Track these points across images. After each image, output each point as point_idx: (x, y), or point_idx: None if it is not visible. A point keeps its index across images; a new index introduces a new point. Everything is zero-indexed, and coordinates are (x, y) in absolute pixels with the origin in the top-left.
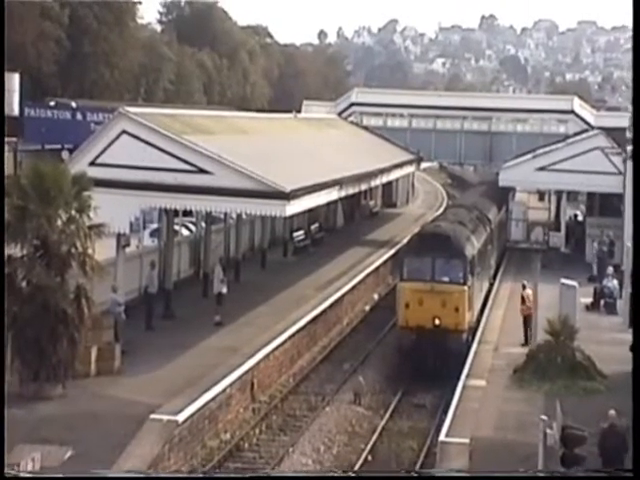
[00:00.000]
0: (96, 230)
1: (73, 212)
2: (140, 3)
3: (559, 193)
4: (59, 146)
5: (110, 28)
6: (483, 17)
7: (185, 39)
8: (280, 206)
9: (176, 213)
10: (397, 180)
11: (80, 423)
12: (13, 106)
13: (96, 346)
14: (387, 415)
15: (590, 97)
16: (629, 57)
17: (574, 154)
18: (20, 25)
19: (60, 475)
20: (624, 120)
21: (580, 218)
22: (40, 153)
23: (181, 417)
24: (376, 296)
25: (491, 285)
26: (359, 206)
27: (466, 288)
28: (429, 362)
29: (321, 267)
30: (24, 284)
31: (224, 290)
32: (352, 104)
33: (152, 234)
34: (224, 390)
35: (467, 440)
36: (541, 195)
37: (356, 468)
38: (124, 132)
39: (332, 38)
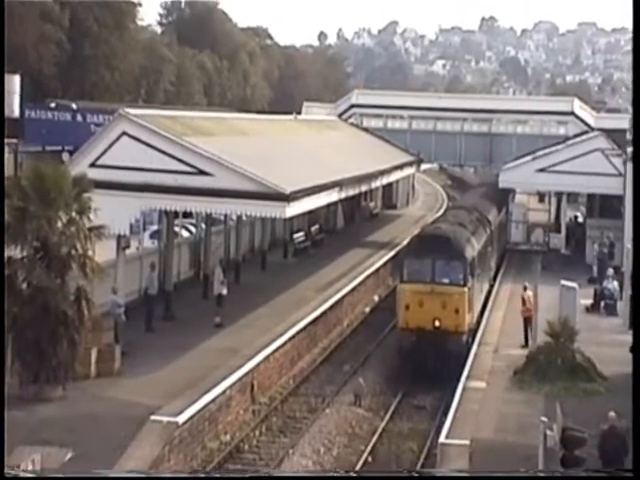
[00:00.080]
0: (96, 232)
1: (73, 214)
2: (140, 5)
3: (559, 195)
4: (59, 148)
5: (110, 30)
6: (483, 19)
7: (185, 41)
8: (280, 208)
9: (176, 215)
10: (397, 182)
11: (80, 425)
12: (14, 108)
13: (96, 348)
14: (387, 417)
15: (590, 99)
16: (629, 59)
17: (574, 156)
18: (20, 27)
19: (60, 475)
20: (624, 122)
21: (580, 220)
22: (40, 155)
23: (181, 419)
24: (376, 298)
25: (491, 287)
26: (359, 208)
27: (466, 290)
28: (429, 364)
29: (321, 269)
30: (24, 286)
31: (224, 291)
32: (352, 106)
33: (152, 236)
34: (224, 392)
35: (467, 442)
36: (541, 197)
37: (356, 469)
38: (124, 134)
39: (332, 39)
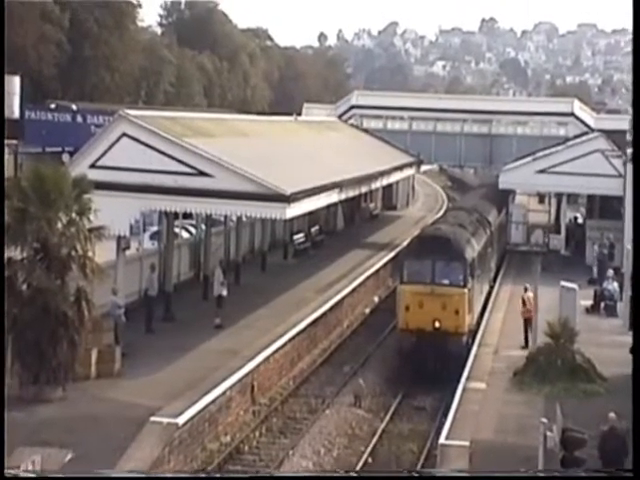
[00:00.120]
0: (96, 233)
1: (73, 215)
2: (140, 6)
3: (559, 196)
4: (60, 149)
5: (110, 31)
6: (483, 20)
7: (185, 42)
8: (280, 209)
9: (176, 216)
10: (397, 183)
11: (80, 426)
12: (14, 109)
13: (96, 349)
14: (387, 418)
15: (590, 100)
16: (629, 60)
17: (574, 157)
18: (21, 28)
19: (60, 475)
20: (624, 123)
21: (580, 221)
22: (41, 156)
23: (181, 420)
24: (376, 299)
25: (491, 288)
26: (359, 209)
27: (466, 291)
28: (429, 365)
29: (321, 270)
30: (24, 287)
31: (224, 293)
32: (352, 107)
33: (152, 237)
34: (224, 393)
35: (467, 443)
36: (541, 198)
37: (356, 470)
38: (124, 135)
39: (332, 41)
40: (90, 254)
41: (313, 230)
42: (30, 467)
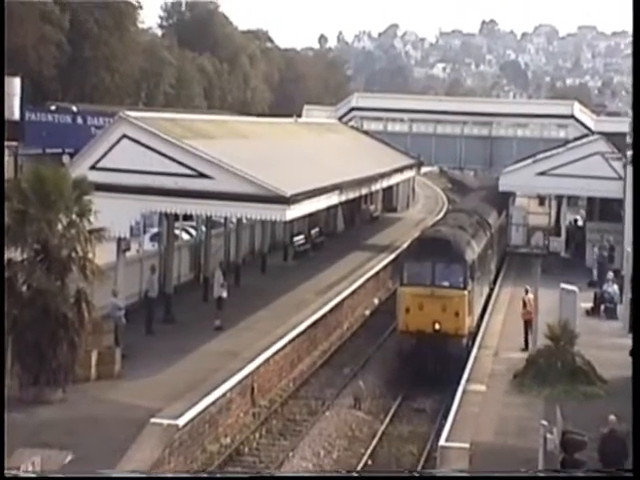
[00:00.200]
0: (96, 234)
1: (74, 216)
2: (141, 7)
3: (559, 198)
4: (60, 150)
5: (111, 32)
6: (483, 22)
7: (186, 43)
8: (280, 210)
9: (176, 217)
10: (397, 185)
11: (80, 427)
12: (14, 110)
13: (96, 350)
14: (387, 420)
15: (590, 102)
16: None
17: (574, 159)
18: (21, 29)
19: (60, 475)
20: (624, 125)
21: (580, 223)
22: (41, 157)
23: (181, 421)
24: (376, 300)
25: (491, 290)
26: (359, 210)
27: (466, 293)
28: (429, 367)
29: (321, 271)
30: (24, 288)
31: (224, 294)
32: (352, 109)
33: (152, 238)
34: (224, 394)
35: (467, 445)
36: (541, 200)
37: (357, 470)
38: (125, 136)
39: (332, 43)
40: (90, 255)
41: (313, 232)
42: (30, 468)
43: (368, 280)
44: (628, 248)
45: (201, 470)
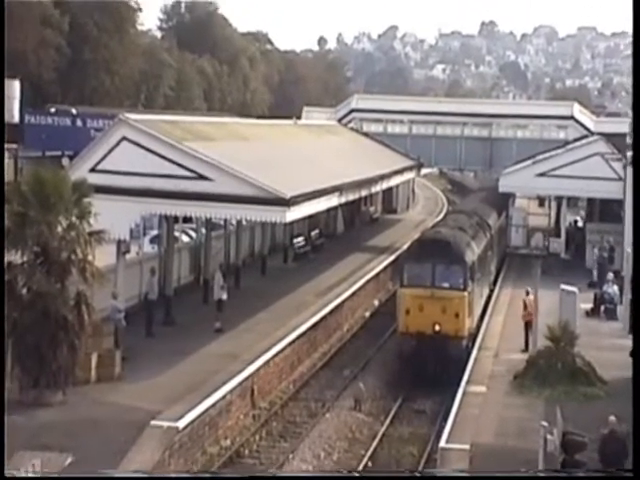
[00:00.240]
0: (96, 237)
1: (73, 219)
2: (140, 10)
3: (559, 199)
4: (59, 153)
5: (110, 35)
6: (483, 23)
7: (185, 45)
8: (280, 212)
9: (176, 219)
10: (397, 186)
11: (80, 430)
12: (14, 113)
13: (96, 352)
14: (387, 421)
15: (590, 103)
16: (629, 63)
17: (574, 160)
18: (20, 32)
19: (61, 475)
20: (624, 126)
21: (580, 224)
22: (40, 160)
23: (181, 423)
24: (376, 302)
25: (491, 291)
26: (359, 212)
27: (466, 294)
28: (429, 368)
29: (321, 273)
30: (24, 291)
31: (224, 296)
32: (352, 110)
33: (152, 240)
34: (224, 396)
35: (467, 446)
36: (541, 201)
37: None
38: (124, 139)
39: (332, 44)
40: (90, 258)
41: (313, 234)
42: (30, 470)
43: (368, 282)
44: (628, 249)
45: (201, 472)
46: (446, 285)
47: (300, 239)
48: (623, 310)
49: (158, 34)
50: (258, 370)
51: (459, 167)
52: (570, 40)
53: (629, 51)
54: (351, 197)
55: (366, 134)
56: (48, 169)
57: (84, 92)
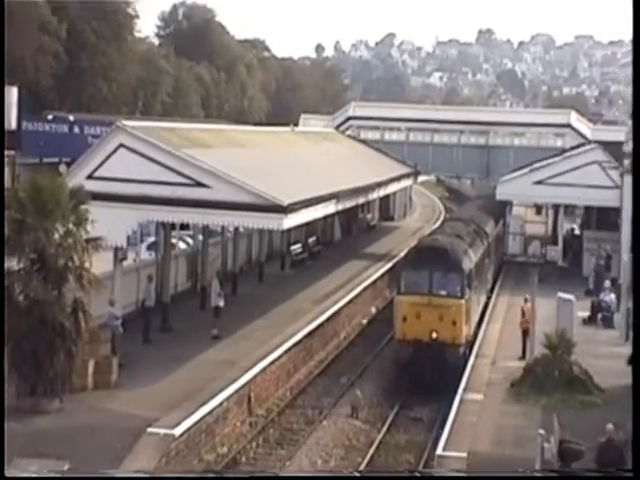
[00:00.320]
0: (93, 243)
1: (70, 225)
2: (138, 17)
3: (556, 207)
4: (57, 159)
5: (108, 42)
6: (480, 31)
7: (183, 53)
8: (277, 219)
9: (173, 226)
10: (394, 193)
11: (77, 437)
12: (11, 119)
13: (93, 360)
14: (384, 429)
15: (587, 111)
16: (626, 71)
17: (571, 168)
18: (19, 39)
19: (61, 475)
20: (621, 134)
21: (577, 232)
22: (38, 166)
23: (178, 431)
24: (373, 309)
25: (488, 299)
26: (356, 219)
27: (463, 301)
28: (426, 375)
29: (318, 280)
30: (21, 298)
31: (221, 303)
32: (349, 118)
33: (149, 247)
34: (221, 404)
35: (464, 454)
36: (538, 209)
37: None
38: (122, 146)
39: (329, 52)
40: (87, 265)
41: (310, 241)
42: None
43: (365, 289)
44: (625, 257)
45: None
46: (443, 293)
47: (297, 246)
48: (620, 318)
49: (156, 41)
50: (255, 377)
51: (456, 175)
52: (567, 48)
53: (626, 59)
54: (348, 204)
55: (363, 141)
56: (45, 176)
57: (81, 99)
